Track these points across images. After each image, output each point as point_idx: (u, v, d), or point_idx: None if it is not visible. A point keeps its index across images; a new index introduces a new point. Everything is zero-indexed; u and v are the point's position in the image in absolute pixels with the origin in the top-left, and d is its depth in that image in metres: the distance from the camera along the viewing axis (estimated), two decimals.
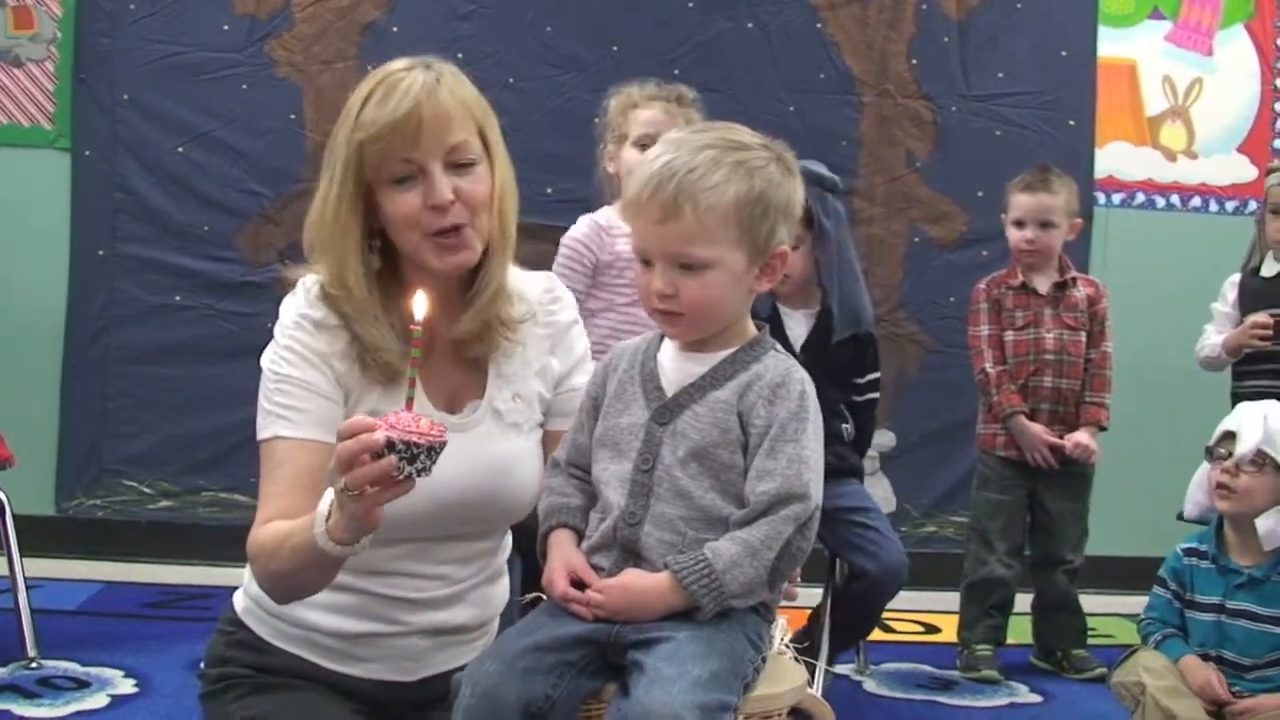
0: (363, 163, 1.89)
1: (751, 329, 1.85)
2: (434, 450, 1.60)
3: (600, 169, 3.51)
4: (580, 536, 1.83)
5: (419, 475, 1.61)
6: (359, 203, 1.91)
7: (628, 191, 1.79)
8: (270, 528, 1.83)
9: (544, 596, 1.82)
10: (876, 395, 3.41)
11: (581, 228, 3.40)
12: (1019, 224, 3.89)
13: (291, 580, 1.83)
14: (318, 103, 4.74)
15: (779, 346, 1.85)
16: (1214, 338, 3.98)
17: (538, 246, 3.60)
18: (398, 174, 1.89)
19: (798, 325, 3.28)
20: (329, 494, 1.69)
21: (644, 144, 3.21)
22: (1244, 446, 2.98)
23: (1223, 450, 3.05)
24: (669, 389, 1.80)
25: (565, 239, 3.40)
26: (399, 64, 1.93)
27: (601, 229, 3.37)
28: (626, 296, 3.29)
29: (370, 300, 1.92)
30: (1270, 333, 3.79)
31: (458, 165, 1.92)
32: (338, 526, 1.67)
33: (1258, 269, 3.95)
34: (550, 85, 4.73)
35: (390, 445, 1.57)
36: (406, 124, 1.86)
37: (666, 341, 1.86)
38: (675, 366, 1.82)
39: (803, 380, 1.79)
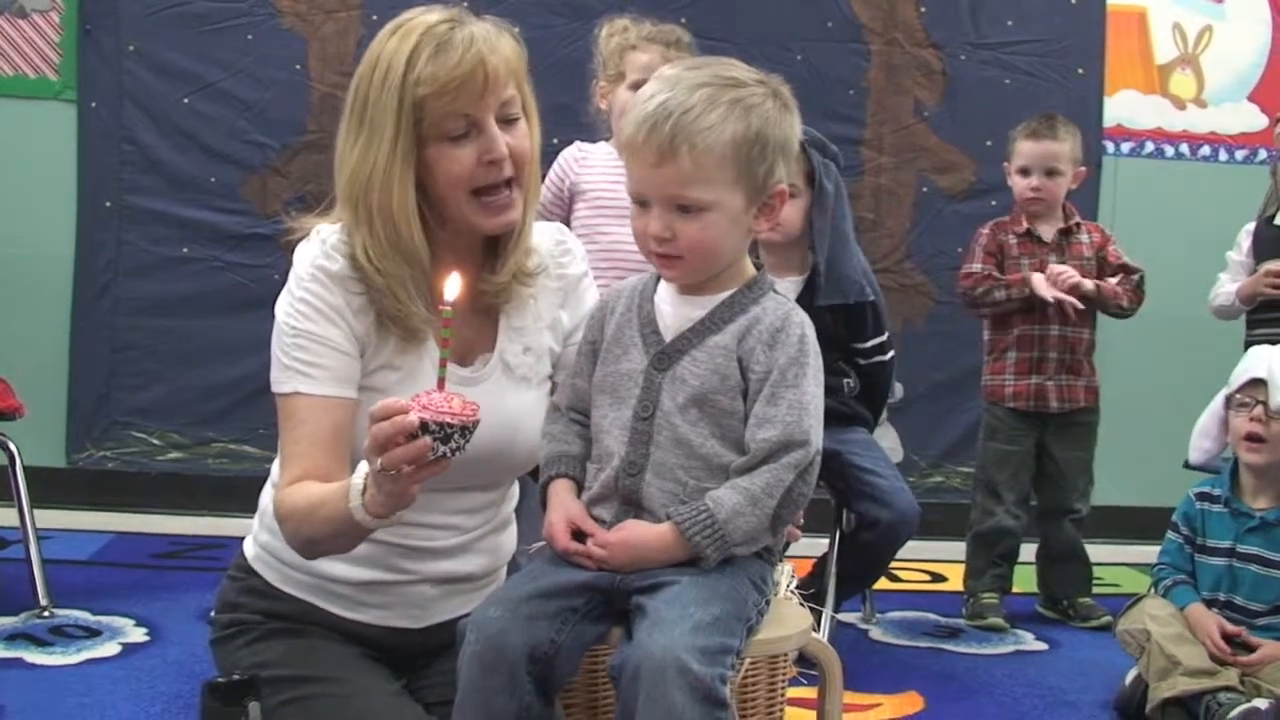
0: (419, 118, 1.87)
1: (750, 269, 1.85)
2: (467, 430, 1.61)
3: (593, 104, 3.52)
4: (579, 486, 1.84)
5: (453, 454, 1.62)
6: (412, 159, 1.89)
7: (623, 132, 1.78)
8: (300, 491, 1.84)
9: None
10: (885, 358, 3.33)
11: (567, 150, 3.52)
12: (1024, 171, 3.86)
13: (324, 545, 1.84)
14: (322, 53, 4.72)
15: (778, 287, 1.85)
16: (1228, 286, 3.96)
17: None
18: (454, 130, 1.87)
19: (784, 291, 3.26)
20: (362, 466, 1.70)
21: (638, 87, 3.22)
22: None
23: (1247, 399, 3.02)
24: (667, 334, 1.80)
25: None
26: (431, 15, 1.89)
27: (579, 158, 3.47)
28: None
29: (427, 256, 1.91)
30: None
31: (506, 120, 1.91)
32: (374, 502, 1.68)
33: (1273, 218, 3.93)
34: (558, 34, 4.71)
35: (424, 426, 1.58)
36: (473, 79, 1.85)
37: (663, 284, 1.85)
38: (673, 310, 1.82)
39: (802, 323, 1.79)
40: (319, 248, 1.94)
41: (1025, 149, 3.85)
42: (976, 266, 3.88)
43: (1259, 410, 2.97)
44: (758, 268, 1.86)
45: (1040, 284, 3.76)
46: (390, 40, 1.89)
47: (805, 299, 3.22)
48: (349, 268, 1.91)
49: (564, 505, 1.81)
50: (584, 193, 3.45)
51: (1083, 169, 3.92)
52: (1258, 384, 3.00)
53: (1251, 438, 2.98)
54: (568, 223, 3.36)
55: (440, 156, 1.89)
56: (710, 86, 1.73)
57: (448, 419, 1.59)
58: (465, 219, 1.93)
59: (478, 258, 1.99)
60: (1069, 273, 3.76)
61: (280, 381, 1.92)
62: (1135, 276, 3.85)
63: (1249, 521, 2.99)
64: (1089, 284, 3.77)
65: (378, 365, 1.94)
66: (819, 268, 3.22)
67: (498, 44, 1.88)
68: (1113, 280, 3.83)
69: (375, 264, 1.89)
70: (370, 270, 1.89)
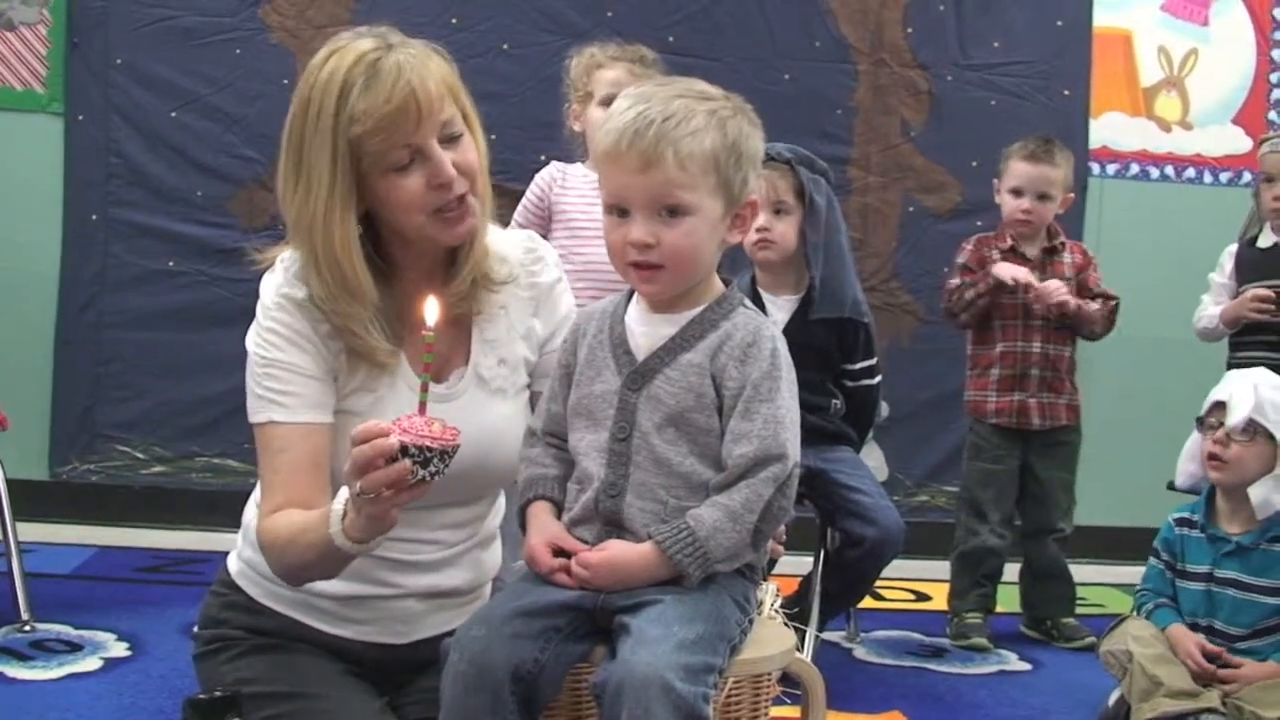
0: (357, 156, 1.86)
1: (719, 285, 1.85)
2: (447, 454, 1.62)
3: (566, 128, 3.57)
4: (557, 507, 1.84)
5: (433, 478, 1.62)
6: (353, 197, 1.89)
7: (601, 144, 1.77)
8: (281, 519, 1.84)
9: None
10: (873, 382, 3.37)
11: (544, 171, 3.58)
12: (1016, 192, 3.87)
13: (308, 572, 1.85)
14: (301, 79, 4.71)
15: (747, 301, 1.85)
16: (1211, 309, 3.98)
17: None
18: (398, 161, 1.87)
19: (779, 310, 3.26)
20: (343, 492, 1.71)
21: (609, 103, 3.26)
22: (1235, 417, 2.98)
23: (1213, 420, 3.06)
24: (639, 353, 1.80)
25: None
26: (362, 44, 1.87)
27: (557, 178, 3.54)
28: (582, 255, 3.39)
29: (375, 296, 1.91)
30: (1273, 306, 3.78)
31: (449, 138, 1.90)
32: (355, 526, 1.68)
33: (1254, 240, 3.95)
34: (545, 51, 4.71)
35: (404, 450, 1.59)
36: (406, 111, 1.84)
37: (633, 303, 1.85)
38: (644, 329, 1.82)
39: (773, 337, 1.79)
40: (283, 275, 1.94)
41: (1020, 170, 3.86)
42: (954, 282, 3.90)
43: (1220, 432, 3.00)
44: (726, 283, 1.86)
45: (1000, 269, 3.79)
46: (321, 72, 1.88)
47: (801, 316, 3.24)
48: (311, 298, 1.92)
49: (543, 527, 1.81)
50: (561, 213, 3.50)
51: (1071, 195, 3.94)
52: (1221, 406, 3.04)
53: (1212, 457, 3.01)
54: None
55: (390, 188, 1.88)
56: (685, 98, 1.75)
57: (428, 443, 1.60)
58: (426, 237, 1.93)
59: (443, 274, 1.99)
60: (1062, 290, 3.78)
61: (255, 411, 1.92)
62: (1111, 304, 3.87)
63: (1225, 546, 3.00)
64: (1072, 303, 3.78)
65: (352, 389, 1.94)
66: (814, 283, 3.24)
67: (426, 68, 1.87)
68: (1093, 305, 3.85)
69: (327, 306, 1.90)
70: (327, 311, 1.90)
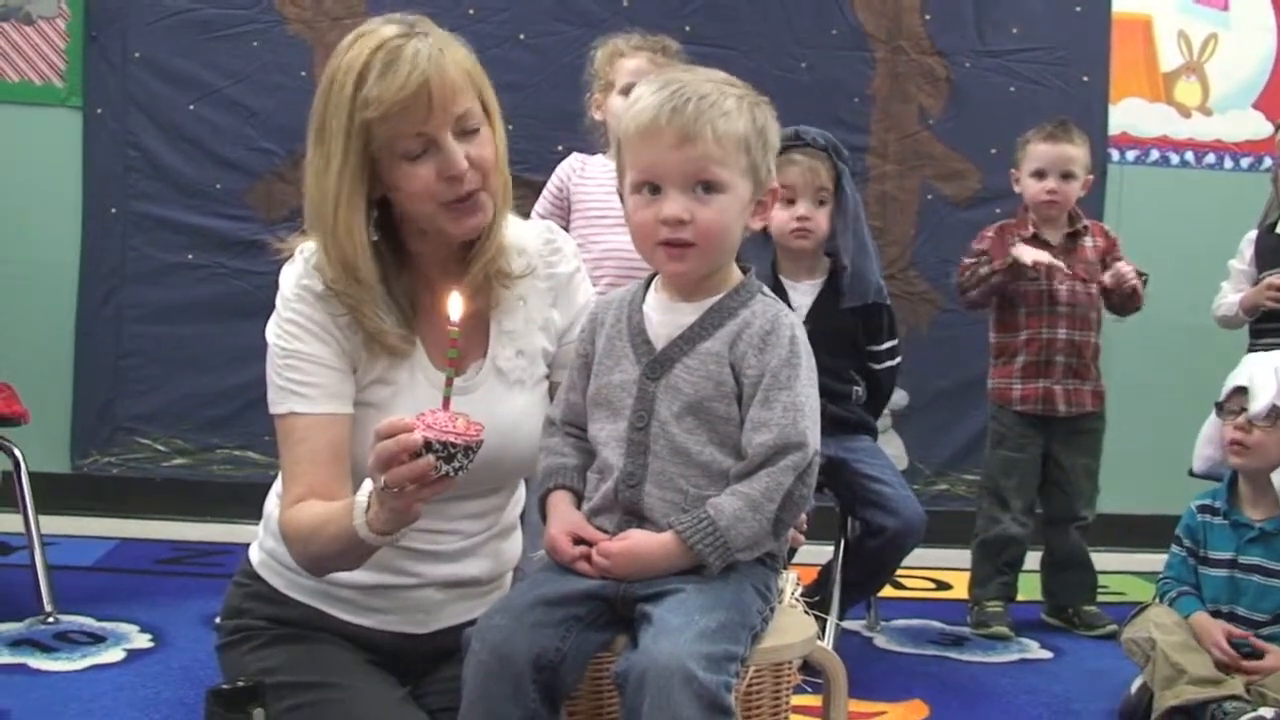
0: (369, 140, 1.87)
1: (737, 274, 1.85)
2: (470, 449, 1.62)
3: (587, 117, 3.57)
4: (577, 497, 1.84)
5: (456, 474, 1.62)
6: (363, 180, 1.89)
7: (635, 120, 1.76)
8: (304, 510, 1.84)
9: None
10: (895, 363, 3.38)
11: (565, 162, 3.59)
12: (1039, 174, 3.85)
13: (331, 563, 1.86)
14: (329, 60, 4.71)
15: (765, 289, 1.85)
16: (1231, 296, 3.96)
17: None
18: (411, 150, 1.87)
19: (802, 296, 3.27)
20: (367, 484, 1.71)
21: (630, 92, 3.28)
22: (1258, 404, 2.96)
23: (1234, 406, 3.04)
24: (657, 342, 1.80)
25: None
26: (388, 29, 1.88)
27: (577, 168, 3.55)
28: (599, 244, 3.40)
29: (375, 279, 1.91)
30: None
31: (464, 132, 1.90)
32: (378, 519, 1.69)
33: (1274, 226, 3.93)
34: (561, 41, 4.71)
35: (428, 445, 1.59)
36: (418, 100, 1.84)
37: (652, 292, 1.85)
38: (662, 318, 1.82)
39: (792, 325, 1.79)
40: (302, 267, 1.95)
41: (1041, 151, 3.84)
42: (969, 260, 3.89)
43: (1242, 418, 2.99)
44: (744, 270, 1.86)
45: (1023, 251, 3.77)
46: (347, 55, 1.89)
47: (824, 301, 3.24)
48: (328, 286, 1.92)
49: (563, 516, 1.81)
50: (579, 202, 3.50)
51: (1091, 175, 3.93)
52: (1242, 392, 3.03)
53: (1235, 444, 3.00)
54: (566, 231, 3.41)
55: (402, 175, 1.89)
56: (714, 82, 1.77)
57: (452, 438, 1.60)
58: (437, 229, 1.93)
59: (458, 266, 1.99)
60: (1133, 273, 3.77)
61: (276, 402, 1.93)
62: (1143, 277, 3.86)
63: (1249, 532, 3.00)
64: (1134, 279, 3.77)
65: (370, 380, 1.95)
66: (843, 271, 3.24)
67: (444, 61, 1.86)
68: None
69: (335, 287, 1.91)
70: (339, 291, 1.91)
